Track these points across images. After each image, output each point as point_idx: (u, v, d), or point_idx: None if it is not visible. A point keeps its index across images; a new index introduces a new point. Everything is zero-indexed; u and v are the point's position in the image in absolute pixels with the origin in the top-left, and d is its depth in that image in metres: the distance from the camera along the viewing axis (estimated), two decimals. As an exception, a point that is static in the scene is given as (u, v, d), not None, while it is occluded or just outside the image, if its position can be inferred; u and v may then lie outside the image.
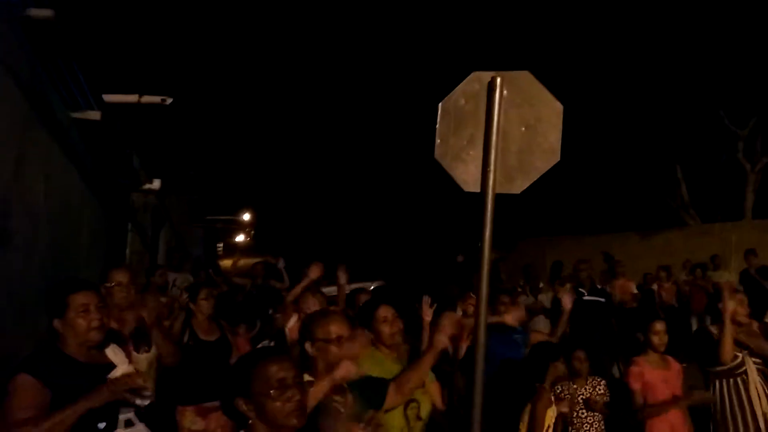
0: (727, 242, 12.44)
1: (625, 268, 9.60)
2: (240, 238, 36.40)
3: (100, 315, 2.54)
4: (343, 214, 25.33)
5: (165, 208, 11.94)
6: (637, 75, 14.27)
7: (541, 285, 8.25)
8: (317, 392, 2.23)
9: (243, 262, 11.57)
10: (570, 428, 3.95)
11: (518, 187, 2.95)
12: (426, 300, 3.66)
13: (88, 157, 6.12)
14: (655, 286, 9.68)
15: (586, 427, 3.93)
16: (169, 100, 6.35)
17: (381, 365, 2.95)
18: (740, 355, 3.73)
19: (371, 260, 16.11)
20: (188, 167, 11.59)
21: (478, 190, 2.88)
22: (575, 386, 4.02)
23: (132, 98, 6.25)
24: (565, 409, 3.88)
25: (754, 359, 3.75)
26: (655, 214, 15.99)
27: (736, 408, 3.68)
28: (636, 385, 3.79)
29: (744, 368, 3.71)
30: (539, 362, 3.77)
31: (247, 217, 30.38)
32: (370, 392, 2.58)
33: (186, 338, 4.25)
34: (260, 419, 1.82)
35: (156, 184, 8.47)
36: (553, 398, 3.72)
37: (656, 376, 3.79)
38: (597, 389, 4.02)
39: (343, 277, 5.18)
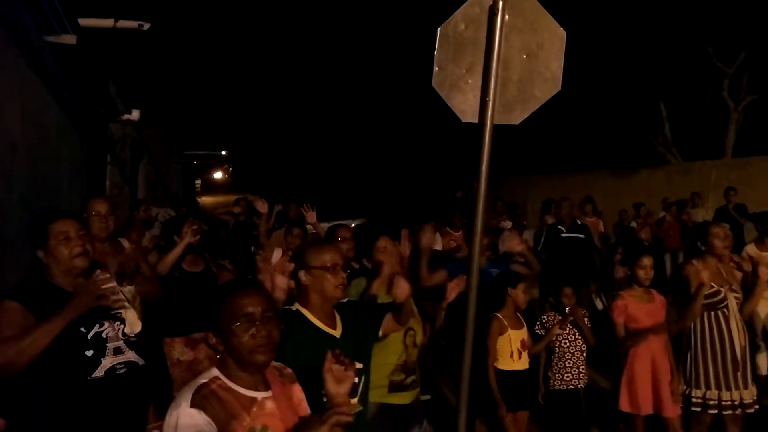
0: (707, 180, 12.59)
1: (604, 206, 9.78)
2: (218, 175, 36.04)
3: (82, 242, 2.48)
4: (330, 149, 24.97)
5: (144, 141, 11.67)
6: (623, 10, 13.96)
7: (525, 222, 8.37)
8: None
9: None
10: (552, 357, 4.07)
11: (516, 118, 2.88)
12: (404, 233, 3.63)
13: (64, 84, 5.88)
14: (634, 224, 9.87)
15: (568, 357, 4.03)
16: (147, 26, 6.10)
17: (380, 295, 3.01)
18: (722, 290, 3.80)
19: (360, 197, 16.07)
20: (166, 98, 11.23)
21: (476, 120, 2.80)
22: (560, 317, 4.12)
23: (108, 23, 5.99)
24: (545, 343, 4.05)
25: (734, 294, 3.82)
26: (638, 152, 16.06)
27: (716, 339, 3.78)
28: (620, 319, 3.88)
29: (725, 302, 3.79)
30: (497, 291, 3.87)
31: (225, 153, 29.94)
32: (367, 316, 2.63)
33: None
34: (228, 353, 1.80)
35: (135, 114, 8.24)
36: (507, 324, 3.86)
37: (640, 309, 3.86)
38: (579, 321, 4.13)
39: (311, 216, 5.17)
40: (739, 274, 4.05)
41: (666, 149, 16.50)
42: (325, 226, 5.33)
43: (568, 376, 4.02)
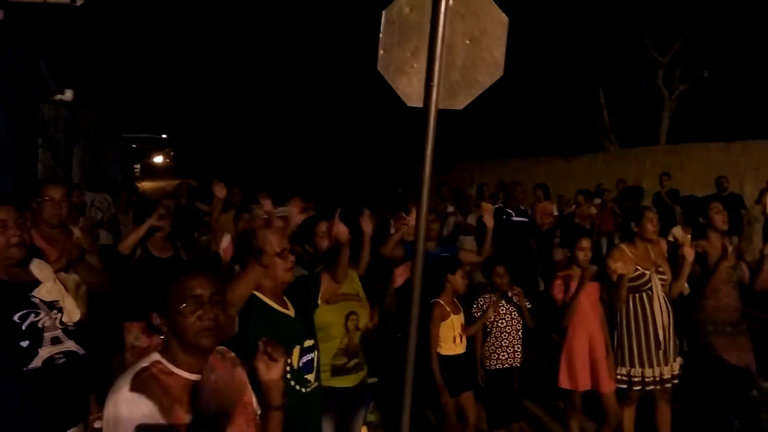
0: (642, 166, 13.10)
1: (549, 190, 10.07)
2: (159, 159, 34.98)
3: (20, 231, 2.37)
4: (275, 132, 24.53)
5: (78, 123, 11.18)
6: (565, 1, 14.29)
7: (470, 207, 8.52)
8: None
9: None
10: (489, 338, 4.15)
11: (461, 102, 2.90)
12: (366, 213, 3.65)
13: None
14: (573, 208, 10.18)
15: (504, 336, 4.13)
16: (80, 1, 5.81)
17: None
18: (647, 272, 3.96)
19: (307, 183, 15.90)
20: (103, 78, 10.78)
21: (421, 104, 2.82)
22: (495, 298, 4.20)
23: (38, -4, 5.67)
24: (480, 325, 4.12)
25: (660, 276, 3.99)
26: (578, 138, 16.54)
27: (641, 320, 3.95)
28: (559, 296, 4.02)
29: (650, 284, 3.96)
30: (436, 277, 3.92)
31: (166, 136, 29.03)
32: (306, 286, 2.69)
33: (138, 253, 4.14)
34: (173, 335, 1.78)
35: (68, 95, 7.86)
36: (449, 309, 3.92)
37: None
38: (514, 296, 4.23)
39: (267, 204, 5.08)
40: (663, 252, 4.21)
41: (604, 136, 17.06)
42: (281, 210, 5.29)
43: (503, 356, 4.11)
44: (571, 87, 15.99)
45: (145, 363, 1.74)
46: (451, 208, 8.56)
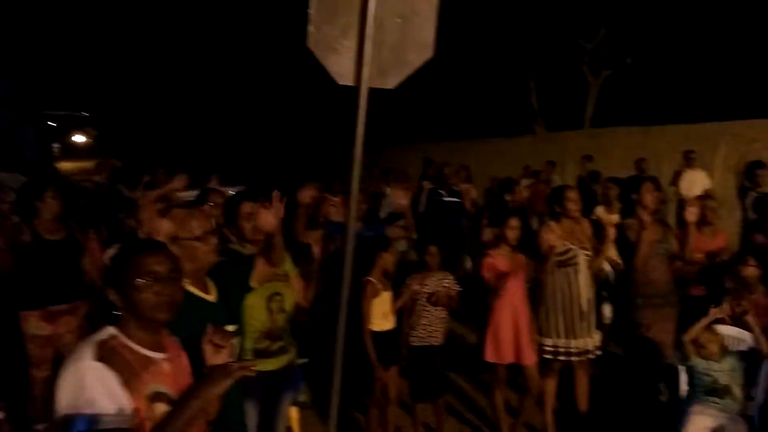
0: (567, 149, 13.56)
1: (476, 172, 10.32)
2: (80, 138, 33.22)
3: None
4: (204, 113, 23.76)
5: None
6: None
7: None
8: None
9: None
10: (414, 316, 4.22)
11: (392, 82, 2.91)
12: (276, 195, 3.58)
13: None
14: (510, 195, 10.45)
15: (426, 314, 4.19)
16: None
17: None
18: (573, 248, 4.15)
19: (236, 164, 15.49)
20: (16, 51, 10.10)
21: (352, 83, 2.80)
22: (425, 279, 4.26)
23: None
24: (405, 299, 4.17)
25: (584, 252, 4.19)
26: (507, 121, 16.95)
27: (566, 293, 4.15)
28: (488, 274, 4.14)
29: (575, 260, 4.15)
30: (367, 256, 3.96)
31: (88, 114, 27.60)
32: (237, 269, 2.60)
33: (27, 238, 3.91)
34: (129, 311, 1.78)
35: (-25, 68, 7.32)
36: (380, 287, 3.97)
37: (507, 266, 4.13)
38: (443, 282, 4.29)
39: (179, 183, 4.89)
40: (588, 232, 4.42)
41: (533, 120, 17.57)
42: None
43: (423, 333, 4.19)
44: (501, 72, 16.34)
45: (102, 336, 1.74)
46: (388, 190, 8.61)
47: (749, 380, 3.71)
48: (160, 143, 22.37)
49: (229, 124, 22.98)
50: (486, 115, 17.32)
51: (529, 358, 4.10)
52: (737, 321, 3.84)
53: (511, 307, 4.11)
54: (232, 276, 2.59)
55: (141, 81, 24.34)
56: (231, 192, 5.85)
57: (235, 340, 2.55)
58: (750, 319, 3.81)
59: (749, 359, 3.76)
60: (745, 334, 3.83)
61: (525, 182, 10.94)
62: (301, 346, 3.52)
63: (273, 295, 3.09)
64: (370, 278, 4.00)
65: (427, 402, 4.32)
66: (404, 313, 4.26)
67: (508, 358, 4.11)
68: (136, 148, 19.18)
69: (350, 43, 2.83)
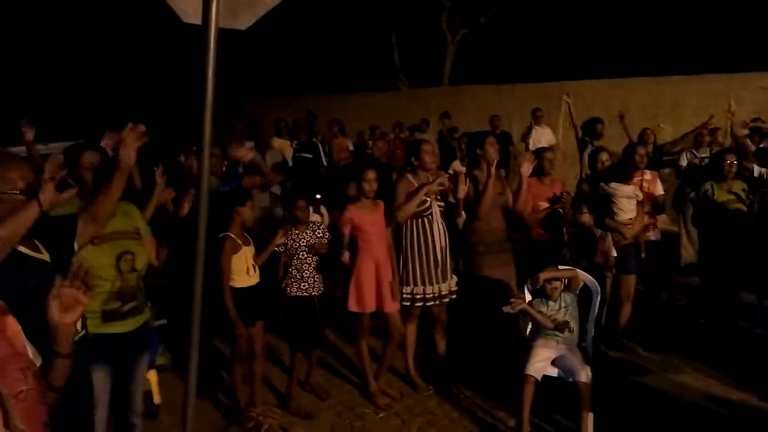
0: (429, 106, 13.95)
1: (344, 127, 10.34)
2: None
3: None
4: (39, 62, 21.21)
5: None
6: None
7: (266, 142, 8.39)
8: None
9: None
10: (290, 269, 4.22)
11: (243, 22, 2.73)
12: (130, 126, 3.29)
13: None
14: (370, 143, 10.60)
15: (305, 267, 4.23)
16: None
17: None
18: (428, 200, 4.31)
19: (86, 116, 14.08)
20: None
21: (199, 21, 2.60)
22: (297, 232, 4.26)
23: None
24: (281, 240, 4.17)
25: (438, 203, 4.37)
26: (371, 76, 17.03)
27: (422, 242, 4.33)
28: (345, 229, 4.20)
29: (430, 210, 4.32)
30: (224, 211, 3.89)
31: None
32: (62, 228, 2.35)
33: None
34: None
35: None
36: (240, 242, 3.92)
37: (366, 219, 4.21)
38: (316, 233, 4.31)
39: (29, 133, 4.44)
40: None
41: (396, 76, 17.80)
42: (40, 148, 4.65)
43: (304, 285, 4.22)
44: (364, 26, 16.28)
45: None
46: (249, 143, 8.34)
47: (583, 315, 4.13)
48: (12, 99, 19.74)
49: (71, 71, 20.76)
50: (350, 69, 17.25)
51: (391, 306, 4.25)
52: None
53: (373, 258, 4.21)
54: (59, 235, 2.31)
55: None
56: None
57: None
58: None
59: (583, 295, 4.17)
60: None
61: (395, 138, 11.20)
62: (160, 308, 3.36)
63: (123, 254, 2.88)
64: (228, 233, 3.89)
65: (303, 355, 4.36)
66: (280, 268, 4.27)
67: (371, 306, 4.22)
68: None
69: (196, -23, 2.60)
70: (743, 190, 5.13)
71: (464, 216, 4.66)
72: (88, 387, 2.41)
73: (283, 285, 4.23)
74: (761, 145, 7.09)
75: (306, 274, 4.23)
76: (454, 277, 4.49)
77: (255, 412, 4.02)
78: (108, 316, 2.85)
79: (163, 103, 17.29)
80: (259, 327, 4.04)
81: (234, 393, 4.12)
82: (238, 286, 3.91)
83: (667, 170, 7.57)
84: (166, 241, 3.36)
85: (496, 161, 4.51)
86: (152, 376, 4.06)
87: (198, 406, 3.21)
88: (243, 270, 3.93)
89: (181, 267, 4.14)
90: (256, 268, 4.02)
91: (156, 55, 19.34)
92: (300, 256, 4.22)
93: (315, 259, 4.27)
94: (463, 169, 5.26)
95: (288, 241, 4.23)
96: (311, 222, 4.42)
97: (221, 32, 2.67)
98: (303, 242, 4.24)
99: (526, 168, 4.76)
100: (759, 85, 9.53)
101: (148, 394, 3.93)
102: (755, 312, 5.25)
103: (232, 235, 3.90)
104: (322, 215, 5.78)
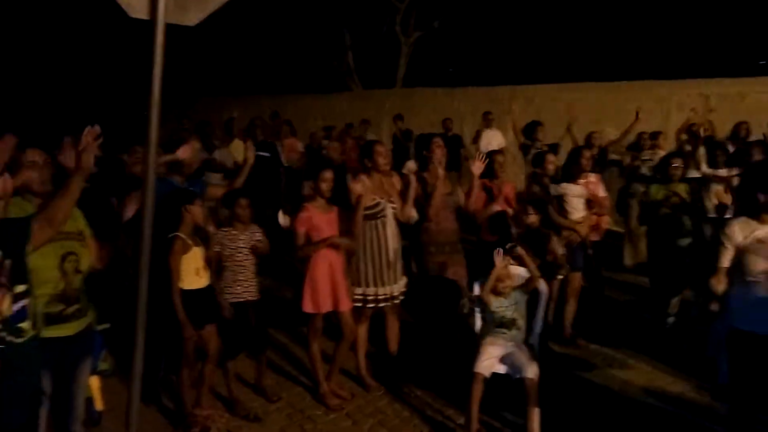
0: (382, 107, 14.01)
1: (297, 128, 10.27)
2: None
3: None
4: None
5: None
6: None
7: (216, 142, 8.24)
8: None
9: None
10: (226, 269, 4.13)
11: (192, 18, 2.68)
12: (67, 141, 3.20)
13: None
14: (325, 143, 10.54)
15: (241, 270, 4.13)
16: None
17: (27, 212, 2.61)
18: (382, 201, 4.34)
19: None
20: None
21: (146, 16, 2.54)
22: (235, 232, 4.16)
23: None
24: (216, 250, 4.07)
25: (391, 204, 4.40)
26: (324, 77, 16.98)
27: (375, 244, 4.35)
28: (301, 229, 4.15)
29: (383, 212, 4.35)
30: (173, 210, 3.80)
31: None
32: (15, 231, 2.30)
33: None
34: None
35: None
36: (190, 242, 3.83)
37: (322, 219, 4.18)
38: (255, 236, 4.23)
39: None
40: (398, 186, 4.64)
41: (349, 77, 17.79)
42: None
43: (239, 289, 4.12)
44: (319, 27, 16.22)
45: None
46: (197, 144, 8.17)
47: (530, 313, 4.21)
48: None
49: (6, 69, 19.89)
50: (303, 70, 17.17)
51: (345, 305, 4.24)
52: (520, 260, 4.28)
53: (327, 258, 4.18)
54: (12, 237, 2.25)
55: None
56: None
57: (27, 301, 2.37)
58: (525, 258, 4.24)
59: (530, 294, 4.26)
60: (524, 271, 4.29)
61: (349, 139, 11.18)
62: (103, 311, 3.25)
63: (67, 255, 2.77)
64: (178, 234, 3.80)
65: (250, 359, 4.26)
66: (212, 269, 4.10)
67: (326, 306, 4.19)
68: None
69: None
70: (687, 192, 5.42)
71: (416, 215, 4.69)
72: (35, 388, 2.36)
73: (220, 290, 4.13)
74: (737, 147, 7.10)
75: (241, 277, 4.12)
76: (404, 277, 4.53)
77: (201, 416, 3.94)
78: (51, 319, 2.74)
79: (108, 101, 16.81)
80: (211, 330, 3.93)
81: (181, 397, 4.03)
82: (188, 288, 3.82)
83: (614, 169, 7.87)
84: (108, 242, 3.26)
85: (443, 162, 4.57)
86: (94, 381, 3.91)
87: (142, 411, 3.13)
88: (192, 271, 3.84)
89: (131, 271, 4.04)
90: (207, 270, 3.94)
91: (102, 52, 18.79)
92: (236, 258, 4.13)
93: (254, 261, 4.19)
94: (413, 170, 5.31)
95: (225, 240, 4.13)
96: (251, 225, 4.31)
97: (170, 28, 2.64)
98: (241, 243, 4.14)
99: (477, 166, 4.84)
100: (698, 91, 9.97)
101: (89, 401, 3.79)
102: (692, 308, 5.49)
103: (182, 236, 3.81)
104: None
